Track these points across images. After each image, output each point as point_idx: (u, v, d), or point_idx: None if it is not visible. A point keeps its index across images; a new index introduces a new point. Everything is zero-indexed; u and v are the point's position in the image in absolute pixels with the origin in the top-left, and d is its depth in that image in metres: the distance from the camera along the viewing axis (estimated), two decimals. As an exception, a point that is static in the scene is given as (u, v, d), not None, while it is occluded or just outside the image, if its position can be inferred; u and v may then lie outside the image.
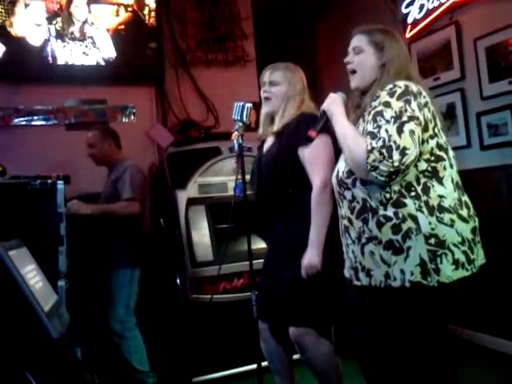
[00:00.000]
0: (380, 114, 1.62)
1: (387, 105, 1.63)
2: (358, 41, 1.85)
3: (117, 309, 2.99)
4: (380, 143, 1.56)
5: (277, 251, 2.31)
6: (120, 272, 3.00)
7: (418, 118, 1.61)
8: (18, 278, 1.68)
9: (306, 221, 2.17)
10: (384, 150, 1.54)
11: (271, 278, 2.30)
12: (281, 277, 2.24)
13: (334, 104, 1.82)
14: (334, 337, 3.25)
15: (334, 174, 1.84)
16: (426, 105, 1.67)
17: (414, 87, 1.67)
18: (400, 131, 1.56)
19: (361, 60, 1.82)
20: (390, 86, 1.68)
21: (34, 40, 3.65)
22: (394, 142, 1.55)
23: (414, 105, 1.62)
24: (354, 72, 1.85)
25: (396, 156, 1.54)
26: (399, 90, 1.65)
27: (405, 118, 1.59)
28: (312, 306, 2.19)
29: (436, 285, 1.57)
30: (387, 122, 1.59)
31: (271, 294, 2.27)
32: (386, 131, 1.57)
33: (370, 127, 1.63)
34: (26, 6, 3.62)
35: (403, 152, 1.54)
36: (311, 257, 2.12)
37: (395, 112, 1.60)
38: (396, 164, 1.54)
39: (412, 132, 1.57)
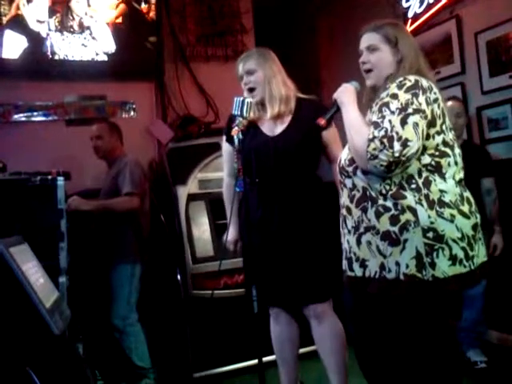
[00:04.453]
0: (386, 105, 1.62)
1: (394, 96, 1.62)
2: (371, 39, 1.82)
3: (118, 305, 2.99)
4: (382, 133, 1.56)
5: (274, 237, 2.31)
6: (120, 268, 3.00)
7: (423, 112, 1.60)
8: (19, 275, 1.68)
9: (308, 204, 2.29)
10: (385, 140, 1.54)
11: (281, 264, 2.31)
12: (298, 260, 2.28)
13: (344, 93, 1.82)
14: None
15: (337, 162, 1.84)
16: (435, 101, 1.66)
17: (424, 82, 1.66)
18: (404, 123, 1.56)
19: (377, 58, 1.80)
20: (401, 78, 1.67)
21: (37, 36, 3.65)
22: (396, 133, 1.54)
23: (421, 98, 1.61)
24: (369, 71, 1.82)
25: (397, 147, 1.53)
26: (409, 83, 1.64)
27: (410, 110, 1.58)
28: (328, 279, 2.30)
29: (431, 279, 1.57)
30: (392, 112, 1.59)
31: (288, 277, 2.30)
32: (390, 122, 1.57)
33: (374, 117, 1.63)
34: (29, 1, 3.61)
35: (405, 143, 1.54)
36: None
37: (401, 104, 1.59)
38: (396, 155, 1.53)
39: (416, 124, 1.57)
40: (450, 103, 3.07)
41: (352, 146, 1.68)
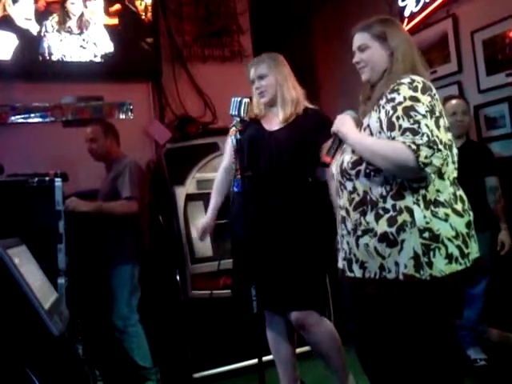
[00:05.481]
0: (412, 109, 1.59)
1: (415, 99, 1.60)
2: (361, 39, 1.83)
3: (118, 305, 2.97)
4: (425, 138, 1.53)
5: (271, 237, 2.31)
6: (120, 269, 2.98)
7: (443, 114, 1.63)
8: (17, 277, 1.68)
9: (303, 208, 2.29)
10: (432, 144, 1.53)
11: (269, 265, 2.30)
12: (280, 264, 2.27)
13: (342, 124, 1.79)
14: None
15: (338, 163, 1.81)
16: (437, 101, 1.67)
17: (427, 84, 1.67)
18: (438, 126, 1.57)
19: (369, 56, 1.80)
20: (408, 79, 1.66)
21: (27, 34, 3.63)
22: (437, 137, 1.55)
23: (435, 100, 1.64)
24: (363, 67, 1.83)
25: (443, 149, 1.54)
26: (419, 85, 1.64)
27: (437, 114, 1.60)
28: (312, 288, 2.28)
29: (428, 278, 1.57)
30: (424, 116, 1.57)
31: (272, 281, 2.29)
32: (427, 126, 1.56)
33: (405, 124, 1.58)
34: (14, 1, 3.60)
35: (445, 146, 1.56)
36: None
37: (427, 106, 1.59)
38: (444, 156, 1.55)
39: (445, 127, 1.60)
40: (454, 101, 3.09)
41: (394, 165, 1.59)
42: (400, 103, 1.62)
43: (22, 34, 3.62)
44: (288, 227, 2.29)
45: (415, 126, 1.56)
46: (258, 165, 2.33)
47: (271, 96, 2.37)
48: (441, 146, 1.54)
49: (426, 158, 1.53)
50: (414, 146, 1.53)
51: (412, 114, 1.58)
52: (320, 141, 2.29)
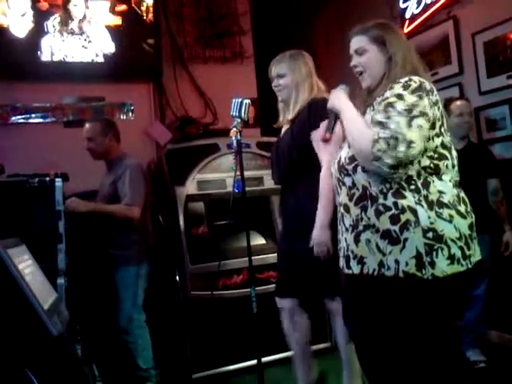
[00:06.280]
0: (391, 105, 1.61)
1: (400, 97, 1.62)
2: (359, 42, 1.82)
3: (123, 306, 2.94)
4: (387, 133, 1.55)
5: (291, 230, 2.39)
6: (124, 269, 2.95)
7: (427, 115, 1.61)
8: (17, 276, 1.68)
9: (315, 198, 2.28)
10: (391, 141, 1.54)
11: (295, 253, 2.35)
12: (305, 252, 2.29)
13: (337, 100, 1.81)
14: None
15: (336, 160, 1.81)
16: (436, 103, 1.66)
17: (427, 85, 1.67)
18: (409, 125, 1.56)
19: (367, 60, 1.80)
20: (406, 79, 1.67)
21: (21, 31, 3.62)
22: (402, 134, 1.54)
23: (425, 101, 1.62)
24: (361, 73, 1.83)
25: (402, 148, 1.53)
26: (414, 85, 1.64)
27: (416, 113, 1.59)
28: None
29: (430, 278, 1.57)
30: (398, 113, 1.58)
31: (303, 269, 2.33)
32: (396, 123, 1.56)
33: (379, 117, 1.61)
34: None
35: (409, 145, 1.54)
36: (319, 235, 2.21)
37: (407, 105, 1.59)
38: (400, 155, 1.53)
39: (420, 127, 1.58)
40: (460, 102, 3.09)
41: (355, 147, 1.66)
42: (385, 99, 1.65)
43: (20, 34, 3.61)
44: (296, 227, 2.35)
45: (385, 121, 1.58)
46: (275, 171, 2.49)
47: (286, 95, 2.41)
48: (401, 146, 1.54)
49: (378, 151, 1.55)
50: (375, 137, 1.56)
51: (388, 109, 1.60)
52: (311, 124, 2.29)
